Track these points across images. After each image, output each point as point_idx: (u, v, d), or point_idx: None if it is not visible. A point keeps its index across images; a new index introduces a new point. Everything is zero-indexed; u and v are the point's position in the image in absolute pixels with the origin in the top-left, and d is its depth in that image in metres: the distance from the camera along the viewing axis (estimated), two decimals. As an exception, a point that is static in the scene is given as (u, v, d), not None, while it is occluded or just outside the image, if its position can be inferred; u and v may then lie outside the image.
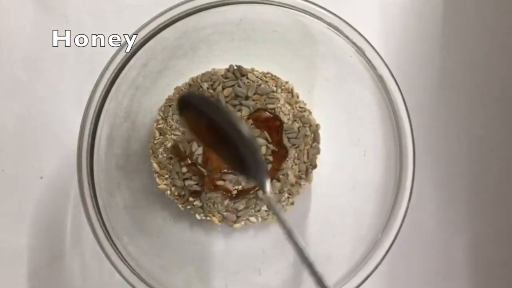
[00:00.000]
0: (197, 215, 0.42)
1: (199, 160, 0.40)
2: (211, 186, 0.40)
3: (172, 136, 0.41)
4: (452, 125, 0.46)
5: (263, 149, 0.41)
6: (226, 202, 0.41)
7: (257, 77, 0.42)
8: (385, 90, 0.36)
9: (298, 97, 0.43)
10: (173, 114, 0.42)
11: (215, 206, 0.42)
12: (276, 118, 0.41)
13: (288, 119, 0.42)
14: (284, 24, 0.38)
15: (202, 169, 0.40)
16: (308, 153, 0.43)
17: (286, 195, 0.43)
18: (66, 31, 0.45)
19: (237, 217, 0.42)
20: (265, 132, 0.41)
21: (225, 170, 0.40)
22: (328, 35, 0.36)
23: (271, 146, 0.41)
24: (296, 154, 0.42)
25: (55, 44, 0.45)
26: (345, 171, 0.42)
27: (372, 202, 0.38)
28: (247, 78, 0.42)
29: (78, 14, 0.45)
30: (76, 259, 0.44)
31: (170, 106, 0.42)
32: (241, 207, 0.42)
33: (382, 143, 0.38)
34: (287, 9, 0.36)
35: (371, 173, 0.39)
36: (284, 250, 0.42)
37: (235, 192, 0.41)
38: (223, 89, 0.41)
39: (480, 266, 0.46)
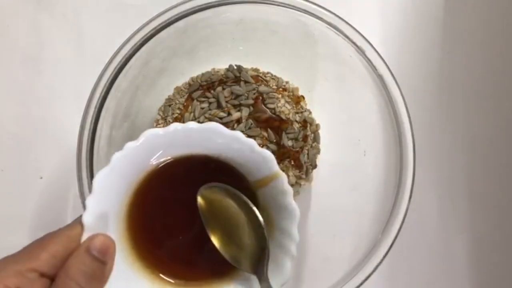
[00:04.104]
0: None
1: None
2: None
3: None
4: (452, 125, 0.46)
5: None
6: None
7: (257, 77, 0.42)
8: (385, 90, 0.36)
9: (298, 97, 0.43)
10: (172, 114, 0.42)
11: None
12: (276, 118, 0.41)
13: (288, 119, 0.42)
14: (284, 24, 0.38)
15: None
16: (308, 153, 0.42)
17: (286, 195, 0.43)
18: (66, 32, 0.45)
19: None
20: (265, 132, 0.41)
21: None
22: (328, 35, 0.36)
23: (271, 146, 0.41)
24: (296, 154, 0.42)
25: (55, 44, 0.45)
26: (345, 171, 0.42)
27: (372, 202, 0.38)
28: (247, 78, 0.42)
29: (78, 14, 0.45)
30: (76, 259, 0.44)
31: (170, 106, 0.42)
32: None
33: (382, 143, 0.38)
34: (287, 9, 0.36)
35: (371, 173, 0.39)
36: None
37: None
38: (223, 89, 0.41)
39: (481, 266, 0.46)
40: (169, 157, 0.30)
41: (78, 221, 0.26)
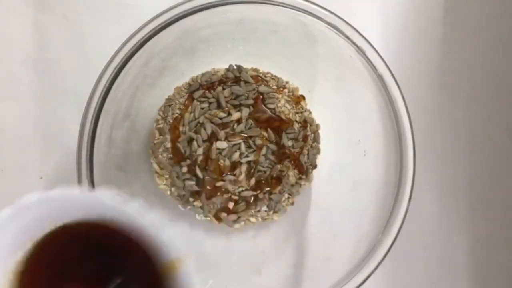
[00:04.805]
0: (197, 216, 0.42)
1: (199, 160, 0.40)
2: (209, 189, 0.40)
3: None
4: (452, 125, 0.46)
5: (263, 150, 0.41)
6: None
7: (257, 77, 0.42)
8: (385, 90, 0.36)
9: (298, 97, 0.43)
10: (172, 114, 0.42)
11: (215, 206, 0.42)
12: (276, 118, 0.41)
13: (288, 119, 0.42)
14: (284, 24, 0.38)
15: (200, 172, 0.40)
16: (308, 153, 0.42)
17: (286, 195, 0.43)
18: (66, 32, 0.45)
19: (237, 217, 0.42)
20: (265, 132, 0.41)
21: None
22: (328, 35, 0.36)
23: (271, 146, 0.41)
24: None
25: (55, 44, 0.45)
26: (345, 171, 0.42)
27: (372, 202, 0.38)
28: (247, 78, 0.42)
29: (78, 14, 0.45)
30: (76, 259, 0.44)
31: (170, 106, 0.42)
32: (241, 207, 0.42)
33: (382, 143, 0.38)
34: (287, 9, 0.36)
35: (371, 173, 0.39)
36: (284, 250, 0.43)
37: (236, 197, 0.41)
38: (223, 89, 0.41)
39: (481, 267, 0.46)
40: (62, 223, 0.26)
41: None
